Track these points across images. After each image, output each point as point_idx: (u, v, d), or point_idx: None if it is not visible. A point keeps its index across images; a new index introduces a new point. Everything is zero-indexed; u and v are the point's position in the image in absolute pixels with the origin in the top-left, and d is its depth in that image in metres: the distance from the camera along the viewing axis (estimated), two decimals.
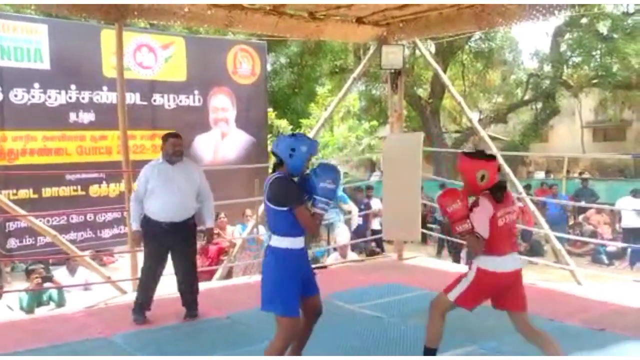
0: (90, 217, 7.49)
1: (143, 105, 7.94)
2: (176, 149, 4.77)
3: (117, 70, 6.11)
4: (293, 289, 3.20)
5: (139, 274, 5.69)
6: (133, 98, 7.74)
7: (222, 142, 8.72)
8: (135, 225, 4.77)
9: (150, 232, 4.74)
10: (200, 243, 7.42)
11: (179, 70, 8.28)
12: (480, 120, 19.33)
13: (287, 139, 3.29)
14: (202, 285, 6.26)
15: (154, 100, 8.08)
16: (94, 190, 7.59)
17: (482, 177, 3.29)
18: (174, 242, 4.77)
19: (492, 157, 3.43)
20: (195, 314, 4.92)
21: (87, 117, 7.53)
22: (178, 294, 5.02)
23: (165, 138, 4.82)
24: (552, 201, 10.83)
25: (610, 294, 5.53)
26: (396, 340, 4.23)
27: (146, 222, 4.75)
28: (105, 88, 7.56)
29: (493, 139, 13.73)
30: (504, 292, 3.33)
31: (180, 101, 8.29)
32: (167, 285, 5.12)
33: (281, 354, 3.23)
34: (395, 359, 3.85)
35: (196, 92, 8.42)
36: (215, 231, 7.55)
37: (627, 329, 4.34)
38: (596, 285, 6.41)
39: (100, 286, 6.46)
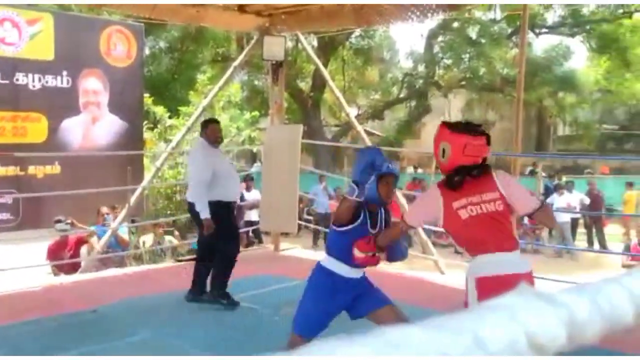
0: None
1: (4, 84, 7.32)
2: (219, 134, 5.02)
3: None
4: None
5: None
6: None
7: (93, 126, 8.26)
8: (207, 213, 4.71)
9: (224, 214, 4.80)
10: (60, 234, 7.02)
11: (45, 49, 7.71)
12: (358, 115, 19.90)
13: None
14: (67, 278, 5.96)
15: (17, 80, 7.46)
16: None
17: (442, 153, 2.68)
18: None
19: (469, 130, 2.68)
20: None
21: None
22: (36, 287, 4.72)
23: (205, 124, 5.04)
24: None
25: None
26: (268, 331, 4.26)
27: (217, 205, 4.75)
28: None
29: (370, 134, 14.21)
30: None
31: (47, 82, 7.73)
32: (27, 278, 4.80)
33: None
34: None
35: (65, 72, 7.89)
36: (69, 220, 7.15)
37: None
38: (458, 274, 6.86)
39: None
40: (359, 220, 2.94)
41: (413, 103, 21.86)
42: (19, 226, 7.41)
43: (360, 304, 3.03)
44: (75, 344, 3.93)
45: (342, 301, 3.02)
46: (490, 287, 2.42)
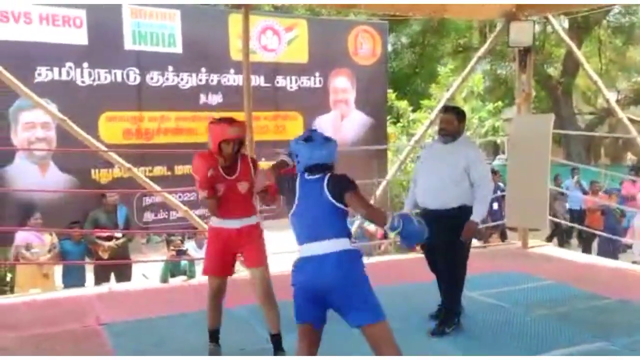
0: None
1: (267, 87, 8.16)
2: (442, 126, 3.96)
3: (243, 54, 6.31)
4: None
5: None
6: (257, 80, 7.97)
7: (342, 123, 8.77)
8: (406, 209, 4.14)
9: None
10: None
11: (301, 52, 8.41)
12: (617, 101, 17.87)
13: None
14: None
15: (277, 82, 8.27)
16: None
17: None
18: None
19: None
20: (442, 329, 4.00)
21: (215, 98, 7.85)
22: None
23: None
24: None
25: None
26: (518, 331, 4.05)
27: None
28: (232, 71, 7.84)
29: (632, 121, 12.67)
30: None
31: (302, 83, 8.42)
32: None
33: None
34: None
35: (317, 73, 8.51)
36: None
37: None
38: None
39: None
40: None
41: None
42: (276, 215, 8.22)
43: None
44: None
45: None
46: None
